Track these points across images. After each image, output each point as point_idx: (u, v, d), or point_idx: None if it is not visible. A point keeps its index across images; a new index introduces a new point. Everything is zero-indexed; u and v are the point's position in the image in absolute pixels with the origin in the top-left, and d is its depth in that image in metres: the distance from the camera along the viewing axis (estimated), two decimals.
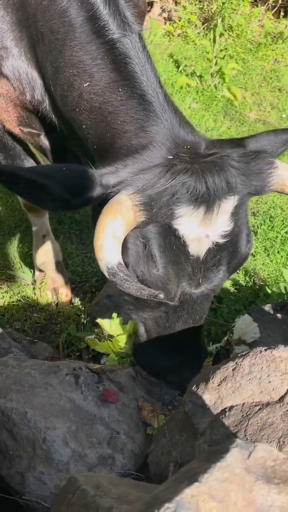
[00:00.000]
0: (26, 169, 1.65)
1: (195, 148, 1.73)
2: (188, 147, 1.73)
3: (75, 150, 2.21)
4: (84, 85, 1.84)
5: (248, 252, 1.87)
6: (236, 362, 1.67)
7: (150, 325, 2.01)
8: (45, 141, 2.36)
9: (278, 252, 3.72)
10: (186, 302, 1.84)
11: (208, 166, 1.65)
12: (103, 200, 1.68)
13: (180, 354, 2.02)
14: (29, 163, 2.62)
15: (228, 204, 1.70)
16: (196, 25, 6.35)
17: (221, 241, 1.73)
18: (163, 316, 1.93)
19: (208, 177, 1.63)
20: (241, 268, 3.53)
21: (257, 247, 3.74)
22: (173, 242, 1.70)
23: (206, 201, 1.65)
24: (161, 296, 1.59)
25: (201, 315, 1.92)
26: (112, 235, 1.58)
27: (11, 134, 2.46)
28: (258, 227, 3.89)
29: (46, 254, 3.20)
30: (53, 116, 2.15)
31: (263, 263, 3.63)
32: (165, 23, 6.46)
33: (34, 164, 2.66)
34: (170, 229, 1.67)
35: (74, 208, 1.73)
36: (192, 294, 1.81)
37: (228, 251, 1.79)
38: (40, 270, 3.24)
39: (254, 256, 3.67)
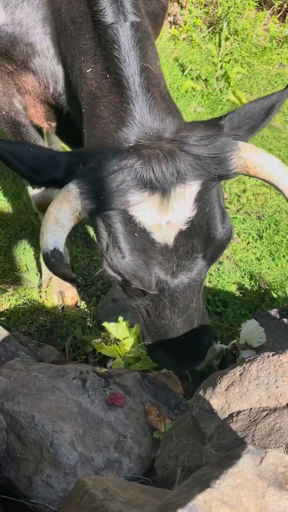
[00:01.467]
0: (4, 143, 1.72)
1: (159, 134, 1.72)
2: (152, 133, 1.71)
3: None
4: (88, 71, 1.89)
5: (225, 237, 1.82)
6: (244, 367, 1.67)
7: (144, 312, 2.01)
8: (68, 133, 2.43)
9: (283, 256, 3.72)
10: (166, 290, 1.82)
11: (156, 152, 1.65)
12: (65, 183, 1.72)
13: (182, 344, 2.02)
14: None
15: (187, 190, 1.68)
16: (201, 29, 6.37)
17: (185, 227, 1.70)
18: (151, 304, 1.92)
19: (154, 163, 1.63)
20: (246, 272, 3.54)
21: (262, 251, 3.74)
22: (134, 229, 1.70)
23: (157, 187, 1.64)
24: (78, 280, 1.61)
25: (186, 304, 1.89)
26: (55, 222, 1.62)
27: (33, 132, 2.51)
28: (263, 231, 3.89)
29: None
30: (69, 107, 2.21)
31: (269, 267, 3.62)
32: (171, 27, 6.48)
33: None
34: (128, 216, 1.68)
35: (41, 185, 1.77)
36: (170, 282, 1.80)
37: (200, 238, 1.75)
38: (47, 273, 3.25)
39: (259, 260, 3.67)
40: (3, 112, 2.48)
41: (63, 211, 1.63)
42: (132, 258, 1.74)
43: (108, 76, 1.82)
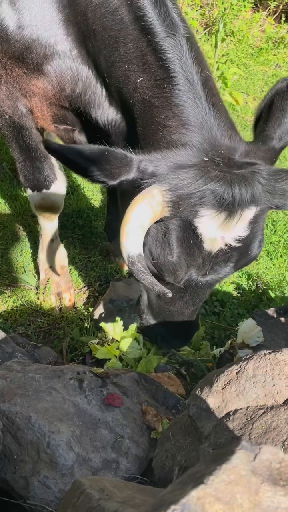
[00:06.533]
0: (71, 149, 1.75)
1: (229, 153, 1.81)
2: (223, 151, 1.81)
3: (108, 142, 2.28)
4: (138, 80, 1.94)
5: (257, 255, 1.97)
6: (240, 366, 1.67)
7: (152, 296, 2.16)
8: (79, 137, 2.46)
9: (281, 256, 3.72)
10: (191, 287, 1.97)
11: (239, 178, 1.74)
12: (137, 183, 1.78)
13: (174, 325, 2.18)
14: (47, 164, 2.67)
15: (249, 213, 1.79)
16: (197, 31, 6.38)
17: (235, 244, 1.83)
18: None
19: (236, 189, 1.72)
20: (243, 271, 3.54)
21: None
22: (191, 237, 1.81)
23: (229, 209, 1.74)
24: (170, 295, 1.70)
25: (201, 299, 2.07)
26: (139, 225, 1.69)
27: (36, 134, 2.52)
28: None
29: (52, 259, 3.21)
30: (90, 107, 2.24)
31: (266, 267, 3.62)
32: None
33: (52, 165, 2.71)
34: (191, 226, 1.78)
35: (111, 186, 1.82)
36: (198, 281, 1.94)
37: (239, 252, 1.89)
38: (45, 274, 3.24)
39: (257, 260, 3.67)
40: (6, 116, 2.47)
41: (146, 215, 1.70)
42: (179, 260, 1.86)
43: (165, 86, 1.87)
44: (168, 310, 2.13)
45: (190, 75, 1.86)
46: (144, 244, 1.90)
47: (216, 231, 1.78)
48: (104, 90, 2.17)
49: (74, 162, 1.72)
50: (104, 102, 2.20)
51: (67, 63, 2.17)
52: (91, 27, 2.03)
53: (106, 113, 2.22)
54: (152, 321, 2.26)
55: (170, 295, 1.70)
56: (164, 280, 2.00)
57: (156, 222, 1.82)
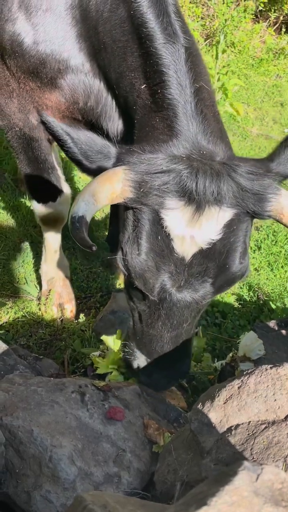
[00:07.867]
0: (62, 127, 1.76)
1: (210, 156, 1.78)
2: (204, 152, 1.78)
3: None
4: (142, 87, 1.97)
5: (238, 273, 1.85)
6: (242, 380, 1.68)
7: (136, 316, 2.04)
8: None
9: (282, 267, 3.73)
10: (166, 301, 1.85)
11: (205, 168, 1.69)
12: None
13: (161, 361, 2.03)
14: (54, 176, 2.71)
15: (220, 213, 1.72)
16: (198, 42, 6.43)
17: (206, 247, 1.74)
18: (147, 311, 1.95)
19: (200, 176, 1.67)
20: (244, 283, 3.55)
21: (261, 262, 3.75)
22: (159, 231, 1.75)
23: (194, 200, 1.69)
24: (94, 248, 1.68)
25: (180, 322, 1.92)
26: (92, 194, 1.70)
27: (46, 146, 2.56)
28: (261, 242, 3.90)
29: (55, 270, 3.22)
30: (101, 119, 2.27)
31: (267, 278, 3.63)
32: None
33: (58, 177, 2.75)
34: (158, 217, 1.73)
35: (89, 171, 1.82)
36: (173, 294, 1.83)
37: (216, 264, 1.79)
38: (48, 285, 3.25)
39: (258, 271, 3.68)
40: (17, 128, 2.51)
41: (103, 188, 1.70)
42: (146, 258, 1.79)
43: (159, 91, 1.89)
44: (149, 335, 1.99)
45: (184, 82, 1.86)
46: (120, 242, 1.87)
47: (184, 227, 1.72)
48: (114, 102, 2.22)
49: (61, 138, 1.75)
50: (114, 114, 2.25)
51: (80, 77, 2.21)
52: (101, 40, 2.07)
53: (116, 124, 2.26)
54: (136, 351, 2.09)
55: (94, 248, 1.67)
56: (134, 287, 1.91)
57: (131, 215, 1.79)
